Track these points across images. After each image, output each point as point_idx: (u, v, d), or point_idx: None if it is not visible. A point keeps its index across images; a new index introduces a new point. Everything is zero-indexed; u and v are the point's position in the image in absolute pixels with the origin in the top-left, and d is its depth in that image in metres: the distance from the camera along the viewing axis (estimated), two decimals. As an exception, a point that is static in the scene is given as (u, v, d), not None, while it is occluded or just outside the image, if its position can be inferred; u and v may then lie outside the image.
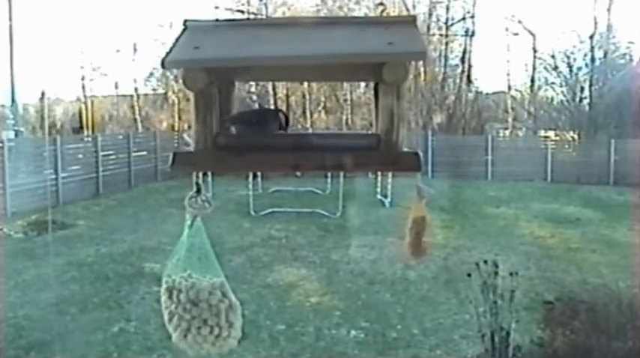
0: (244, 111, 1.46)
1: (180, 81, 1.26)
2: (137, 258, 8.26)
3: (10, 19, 15.18)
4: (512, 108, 21.94)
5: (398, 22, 1.29)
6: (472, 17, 21.54)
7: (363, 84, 19.61)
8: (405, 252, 1.55)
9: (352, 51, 1.19)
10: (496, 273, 4.49)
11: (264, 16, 19.91)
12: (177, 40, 1.23)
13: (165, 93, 22.55)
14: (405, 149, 1.21)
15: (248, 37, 1.26)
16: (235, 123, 1.34)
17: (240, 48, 1.23)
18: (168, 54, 1.18)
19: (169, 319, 1.29)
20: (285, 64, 1.27)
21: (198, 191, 1.30)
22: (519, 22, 21.28)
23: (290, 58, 1.20)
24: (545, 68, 21.53)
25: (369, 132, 1.30)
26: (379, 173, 10.15)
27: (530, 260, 8.22)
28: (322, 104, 21.86)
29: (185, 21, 1.29)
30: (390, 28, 1.25)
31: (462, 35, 21.89)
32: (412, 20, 1.29)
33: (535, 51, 21.31)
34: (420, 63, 17.34)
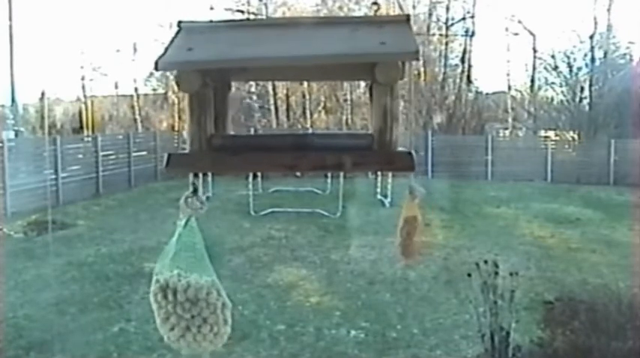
0: None
1: (174, 82, 1.26)
2: (137, 258, 8.26)
3: (10, 19, 15.20)
4: (512, 108, 21.94)
5: (391, 22, 1.28)
6: (472, 17, 21.58)
7: (362, 84, 19.61)
8: (396, 252, 1.55)
9: (344, 51, 1.19)
10: (496, 273, 4.49)
11: (263, 16, 19.92)
12: (171, 41, 1.23)
13: (165, 93, 22.56)
14: (400, 149, 1.21)
15: (242, 38, 1.26)
16: None
17: (233, 49, 1.23)
18: (162, 56, 1.18)
19: (165, 318, 1.29)
20: (278, 65, 1.27)
21: (195, 191, 1.31)
22: (519, 22, 21.32)
23: (283, 59, 1.20)
24: (545, 68, 21.56)
25: (366, 132, 1.30)
26: (379, 173, 10.15)
27: (530, 260, 8.21)
28: (322, 104, 21.87)
29: (179, 22, 1.29)
30: (383, 27, 1.25)
31: (462, 35, 21.91)
32: (406, 19, 1.28)
33: (535, 51, 21.34)
34: (420, 62, 17.37)
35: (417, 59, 1.14)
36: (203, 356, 1.33)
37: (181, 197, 1.31)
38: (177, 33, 1.26)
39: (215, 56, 1.21)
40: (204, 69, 1.18)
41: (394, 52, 1.16)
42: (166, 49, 1.20)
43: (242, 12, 20.49)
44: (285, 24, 1.43)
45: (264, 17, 19.65)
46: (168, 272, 1.29)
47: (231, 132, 1.39)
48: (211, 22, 1.38)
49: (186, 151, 1.24)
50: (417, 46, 1.17)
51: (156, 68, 1.15)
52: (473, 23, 21.67)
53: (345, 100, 21.12)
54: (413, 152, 1.21)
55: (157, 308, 1.30)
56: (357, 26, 1.29)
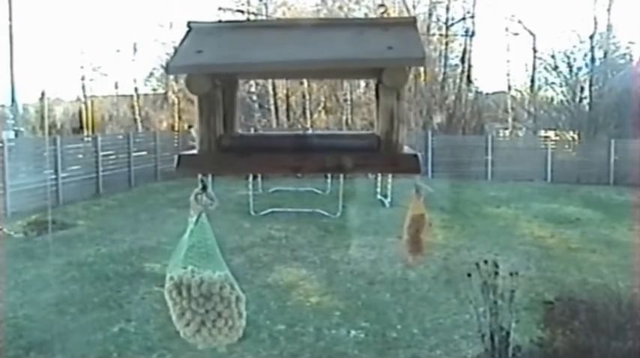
0: None
1: (182, 81, 1.28)
2: (137, 258, 8.26)
3: (10, 19, 15.20)
4: (512, 108, 21.96)
5: (398, 24, 1.29)
6: (472, 17, 21.59)
7: (363, 84, 19.65)
8: (403, 250, 1.56)
9: (352, 56, 1.20)
10: (496, 273, 4.50)
11: (264, 16, 19.93)
12: (181, 43, 1.24)
13: (166, 93, 22.58)
14: (405, 150, 1.22)
15: (250, 40, 1.27)
16: None
17: (243, 52, 1.24)
18: (172, 59, 1.19)
19: (180, 315, 1.31)
20: (286, 68, 1.28)
21: (204, 188, 1.33)
22: (519, 22, 21.33)
23: (292, 62, 1.21)
24: (545, 68, 21.57)
25: (370, 132, 1.30)
26: (379, 173, 10.16)
27: (530, 260, 8.22)
28: (322, 104, 21.87)
29: (189, 23, 1.30)
30: (389, 30, 1.25)
31: (462, 35, 21.93)
32: (412, 22, 1.29)
33: (535, 51, 21.35)
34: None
35: (424, 65, 1.14)
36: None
37: (187, 196, 1.32)
38: (187, 34, 1.27)
39: (225, 59, 1.22)
40: (214, 72, 1.19)
41: (402, 57, 1.17)
42: (176, 52, 1.21)
43: (242, 12, 20.49)
44: (292, 25, 1.44)
45: (264, 17, 19.68)
46: (182, 268, 1.31)
47: (239, 131, 1.40)
48: (220, 22, 1.39)
49: (196, 152, 1.26)
50: (425, 51, 1.17)
51: (167, 72, 1.16)
52: (473, 23, 21.71)
53: (345, 100, 21.13)
54: (419, 154, 1.21)
55: (172, 304, 1.32)
56: (363, 28, 1.30)
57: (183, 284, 1.29)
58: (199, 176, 1.31)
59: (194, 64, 1.18)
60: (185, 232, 1.34)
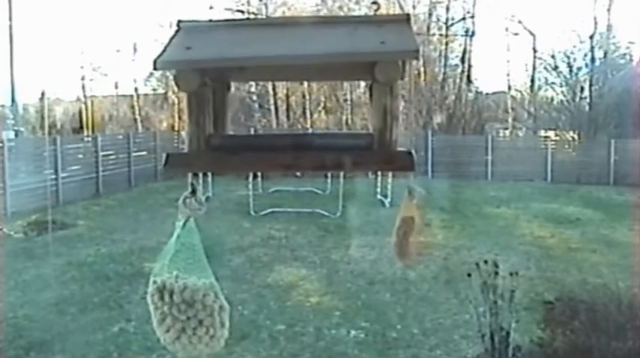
0: None
1: (173, 82, 1.27)
2: (137, 258, 8.25)
3: (10, 19, 15.20)
4: (512, 108, 21.94)
5: (391, 21, 1.28)
6: (472, 17, 21.57)
7: (362, 84, 19.61)
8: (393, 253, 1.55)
9: (344, 50, 1.19)
10: (496, 273, 4.49)
11: (263, 16, 19.92)
12: (170, 40, 1.23)
13: (166, 93, 22.57)
14: (400, 148, 1.21)
15: (241, 38, 1.26)
16: None
17: (232, 48, 1.23)
18: (160, 54, 1.18)
19: (161, 320, 1.28)
20: (277, 64, 1.27)
21: (193, 192, 1.30)
22: (519, 22, 21.32)
23: (282, 58, 1.20)
24: (545, 68, 21.56)
25: (366, 132, 1.30)
26: (379, 173, 10.15)
27: (530, 260, 8.21)
28: (322, 104, 21.87)
29: (179, 21, 1.29)
30: (383, 26, 1.25)
31: (462, 35, 21.91)
32: (406, 19, 1.28)
33: (535, 51, 21.34)
34: (420, 62, 17.36)
35: (417, 58, 1.14)
36: None
37: (180, 197, 1.30)
38: (177, 32, 1.26)
39: (214, 55, 1.21)
40: (203, 68, 1.18)
41: (394, 50, 1.16)
42: (165, 48, 1.20)
43: (242, 12, 20.49)
44: (285, 23, 1.43)
45: (264, 17, 19.66)
46: (167, 273, 1.28)
47: (230, 132, 1.39)
48: (211, 21, 1.38)
49: (185, 151, 1.25)
50: (417, 45, 1.16)
51: (154, 67, 1.15)
52: (473, 23, 21.69)
53: (345, 100, 21.12)
54: (413, 152, 1.20)
55: (154, 309, 1.29)
56: (356, 25, 1.29)
57: (166, 289, 1.26)
58: (189, 179, 1.30)
59: (183, 60, 1.17)
60: (173, 235, 1.31)
